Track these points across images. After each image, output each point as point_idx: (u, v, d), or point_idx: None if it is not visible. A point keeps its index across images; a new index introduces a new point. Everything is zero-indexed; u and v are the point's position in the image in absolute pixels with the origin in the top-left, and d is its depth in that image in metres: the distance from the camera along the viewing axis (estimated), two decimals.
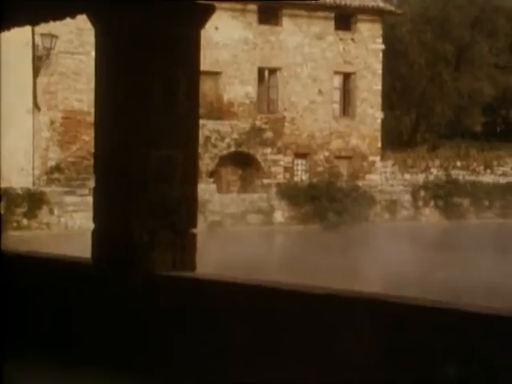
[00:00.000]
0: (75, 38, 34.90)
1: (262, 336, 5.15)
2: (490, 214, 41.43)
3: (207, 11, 6.44)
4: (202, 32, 6.52)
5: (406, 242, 28.68)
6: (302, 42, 40.05)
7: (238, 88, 38.83)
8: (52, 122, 35.30)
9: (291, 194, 37.41)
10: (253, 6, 38.65)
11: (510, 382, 3.78)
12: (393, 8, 43.12)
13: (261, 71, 39.58)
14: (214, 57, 37.15)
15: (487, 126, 50.01)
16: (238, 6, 37.99)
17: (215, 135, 36.88)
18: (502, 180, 42.26)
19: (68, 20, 7.05)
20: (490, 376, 3.93)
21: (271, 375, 5.01)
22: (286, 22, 39.85)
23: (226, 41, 38.48)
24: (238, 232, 33.93)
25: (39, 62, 34.57)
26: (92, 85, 6.85)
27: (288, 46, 39.77)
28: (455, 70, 47.05)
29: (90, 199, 6.92)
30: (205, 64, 32.59)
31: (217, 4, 6.68)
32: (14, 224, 29.76)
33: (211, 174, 36.62)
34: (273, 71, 39.88)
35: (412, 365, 4.26)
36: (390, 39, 43.13)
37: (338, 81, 41.32)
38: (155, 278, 5.97)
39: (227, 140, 37.26)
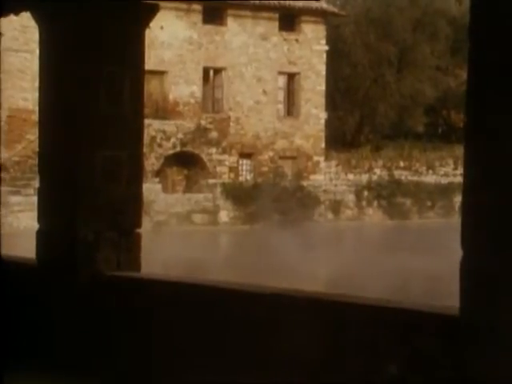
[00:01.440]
0: (20, 36, 34.50)
1: (206, 335, 5.17)
2: (432, 213, 41.98)
3: (151, 11, 6.44)
4: (147, 31, 6.52)
5: (339, 243, 29.90)
6: (246, 42, 40.16)
7: (183, 88, 38.78)
8: None
9: (236, 193, 37.48)
10: (197, 6, 38.62)
11: (452, 380, 3.85)
12: (336, 9, 43.46)
13: (206, 71, 39.59)
14: (159, 56, 37.05)
15: (429, 126, 50.63)
16: (183, 5, 37.94)
17: (161, 135, 36.80)
18: (444, 180, 42.84)
19: (12, 17, 6.99)
20: (431, 374, 3.99)
21: (217, 374, 5.03)
22: (231, 22, 39.92)
23: (171, 40, 38.41)
24: (182, 232, 33.91)
25: None
26: (37, 83, 6.80)
27: (233, 46, 39.84)
28: (398, 72, 47.56)
29: (36, 199, 6.87)
30: (150, 63, 32.32)
31: (161, 3, 6.68)
32: None
33: (157, 174, 36.53)
34: (218, 71, 39.92)
35: (355, 363, 4.30)
36: (334, 40, 43.45)
37: (282, 81, 41.53)
38: (100, 278, 5.96)
39: (173, 140, 37.20)
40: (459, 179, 40.69)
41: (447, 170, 43.71)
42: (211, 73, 39.91)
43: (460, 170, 43.23)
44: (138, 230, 6.28)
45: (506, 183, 3.58)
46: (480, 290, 3.67)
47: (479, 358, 3.67)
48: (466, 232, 3.74)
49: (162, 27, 36.84)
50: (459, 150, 41.02)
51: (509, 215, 3.57)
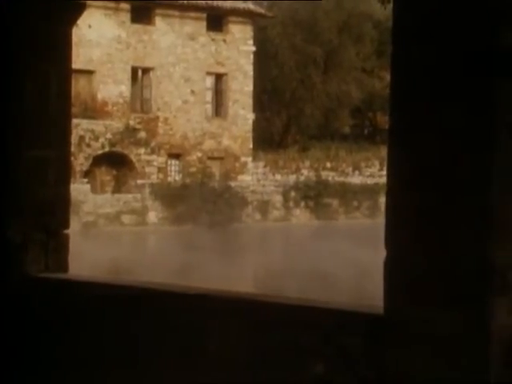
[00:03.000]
0: None
1: (134, 335, 5.16)
2: (358, 214, 42.45)
3: (77, 9, 6.39)
4: (75, 30, 6.48)
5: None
6: (174, 42, 40.09)
7: (112, 87, 38.53)
8: None
9: (165, 194, 37.39)
10: (126, 5, 38.42)
11: (378, 379, 3.88)
12: (263, 10, 43.67)
13: (134, 70, 39.40)
14: (87, 55, 36.73)
15: (355, 128, 51.23)
16: (111, 4, 37.70)
17: (89, 135, 36.50)
18: (370, 181, 43.35)
19: None
20: (356, 374, 4.02)
21: (143, 375, 5.02)
22: (159, 22, 39.82)
23: (99, 39, 38.12)
24: (111, 233, 33.75)
25: None
26: None
27: (161, 46, 39.73)
28: (324, 73, 47.96)
29: None
30: (78, 62, 31.78)
31: (89, 2, 6.65)
32: None
33: (85, 174, 36.23)
34: (146, 71, 39.76)
35: (281, 363, 4.31)
36: (261, 41, 43.66)
37: (210, 81, 41.56)
38: (28, 280, 5.91)
39: (101, 140, 36.94)
40: (385, 180, 41.25)
41: (373, 170, 44.25)
42: (140, 72, 39.73)
43: (385, 171, 43.84)
44: (66, 231, 6.24)
45: (426, 184, 3.66)
46: (403, 289, 3.71)
47: (403, 357, 3.71)
48: (389, 232, 3.79)
49: (90, 26, 36.54)
50: (385, 151, 41.37)
51: (429, 215, 3.64)
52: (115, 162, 37.39)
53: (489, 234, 3.46)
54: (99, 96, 38.28)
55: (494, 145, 3.47)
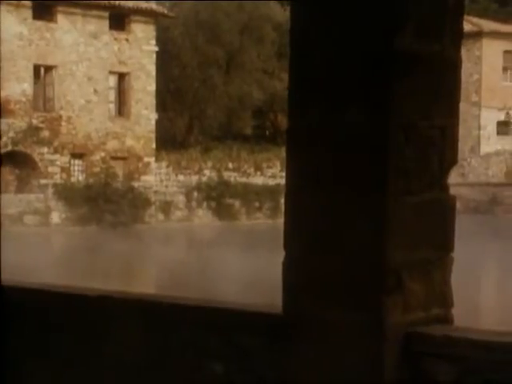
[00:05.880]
0: None
1: (37, 338, 5.12)
2: (260, 214, 42.74)
3: None
4: None
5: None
6: (77, 40, 39.75)
7: (15, 85, 37.94)
8: None
9: (68, 194, 36.98)
10: (27, 2, 37.92)
11: (278, 379, 3.86)
12: (165, 11, 43.68)
13: (37, 68, 38.87)
14: None
15: (257, 129, 51.57)
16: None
17: None
18: (272, 182, 43.72)
19: None
20: (257, 374, 4.02)
21: (41, 377, 5.00)
22: (62, 19, 39.40)
23: (1, 35, 37.49)
24: (12, 234, 33.22)
25: None
26: None
27: (63, 44, 39.33)
28: (226, 74, 48.18)
29: None
30: None
31: None
32: None
33: None
34: (49, 69, 39.28)
35: (181, 364, 4.28)
36: (164, 41, 43.63)
37: (113, 81, 41.34)
38: None
39: (4, 139, 36.32)
40: None
41: (274, 171, 44.64)
42: (42, 70, 39.23)
43: None
44: None
45: (324, 185, 3.66)
46: (301, 289, 3.70)
47: (303, 357, 3.71)
48: (288, 232, 3.75)
49: None
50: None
51: (326, 216, 3.73)
52: (18, 162, 36.85)
53: (383, 233, 3.52)
54: (1, 94, 37.63)
55: (389, 146, 3.51)
